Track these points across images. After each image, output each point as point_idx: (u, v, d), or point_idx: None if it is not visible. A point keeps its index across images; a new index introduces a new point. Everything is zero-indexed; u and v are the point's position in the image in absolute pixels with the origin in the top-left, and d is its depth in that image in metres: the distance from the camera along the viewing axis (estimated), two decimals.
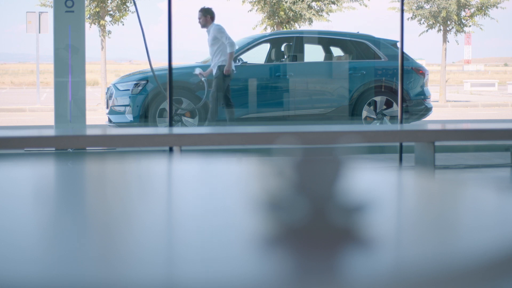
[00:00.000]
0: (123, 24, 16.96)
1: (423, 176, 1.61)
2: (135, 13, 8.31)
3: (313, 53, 10.69)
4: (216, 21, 9.12)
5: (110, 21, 17.01)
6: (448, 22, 19.65)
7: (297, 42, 10.32)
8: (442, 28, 19.77)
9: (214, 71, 9.06)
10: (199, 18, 9.08)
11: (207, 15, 9.07)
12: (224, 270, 0.83)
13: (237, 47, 9.33)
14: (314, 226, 1.02)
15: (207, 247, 0.95)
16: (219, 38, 8.97)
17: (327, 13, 15.25)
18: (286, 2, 15.01)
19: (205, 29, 9.09)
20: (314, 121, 9.71)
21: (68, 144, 4.16)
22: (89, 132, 4.40)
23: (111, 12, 16.91)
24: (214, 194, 1.46)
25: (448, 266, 0.87)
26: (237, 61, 9.68)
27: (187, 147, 5.63)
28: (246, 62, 9.77)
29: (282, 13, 15.04)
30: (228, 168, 1.79)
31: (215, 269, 0.83)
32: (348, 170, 1.06)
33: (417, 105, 10.26)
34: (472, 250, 0.94)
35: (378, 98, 9.95)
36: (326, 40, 10.69)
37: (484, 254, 0.92)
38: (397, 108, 9.45)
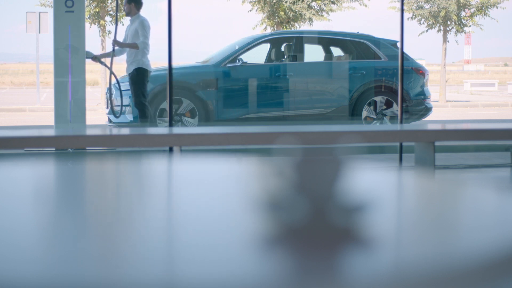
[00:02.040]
0: (122, 24, 16.94)
1: (423, 176, 1.61)
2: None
3: (313, 53, 10.69)
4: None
5: (110, 21, 17.01)
6: (448, 22, 19.66)
7: (297, 42, 10.32)
8: (442, 28, 19.78)
9: (129, 70, 8.32)
10: (124, 5, 8.27)
11: (131, 3, 8.18)
12: (224, 270, 0.83)
13: (148, 53, 8.29)
14: (314, 226, 1.02)
15: (207, 247, 0.95)
16: (139, 34, 8.16)
17: (327, 13, 15.26)
18: (286, 2, 15.01)
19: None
20: (314, 121, 9.71)
21: (68, 144, 4.16)
22: (89, 132, 4.40)
23: (111, 12, 16.90)
24: (214, 194, 1.46)
25: (448, 266, 0.87)
26: (237, 61, 9.68)
27: (187, 147, 5.63)
28: (246, 62, 9.77)
29: (282, 13, 15.04)
30: (228, 168, 1.79)
31: (215, 269, 0.83)
32: (348, 170, 1.06)
33: (417, 105, 10.27)
34: (472, 250, 0.94)
35: (378, 98, 9.95)
36: (326, 40, 10.69)
37: (484, 254, 0.92)
38: (397, 108, 9.45)
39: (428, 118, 10.52)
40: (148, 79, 8.39)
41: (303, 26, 15.17)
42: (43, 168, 1.81)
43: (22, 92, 29.23)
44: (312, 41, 10.76)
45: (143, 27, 8.16)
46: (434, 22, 19.68)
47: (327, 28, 15.20)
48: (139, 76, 8.25)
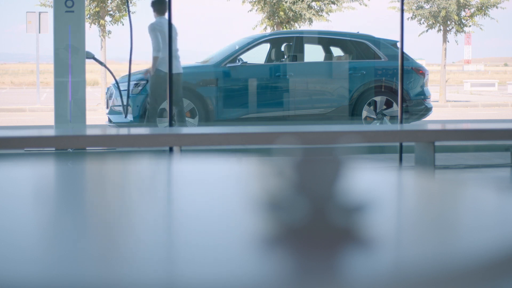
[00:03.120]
0: (123, 24, 16.96)
1: (423, 176, 1.61)
2: (135, 14, 8.31)
3: (313, 53, 10.69)
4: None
5: (110, 21, 17.01)
6: (448, 22, 19.66)
7: (297, 42, 10.32)
8: (442, 28, 19.78)
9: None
10: None
11: (152, 8, 8.34)
12: (224, 270, 0.83)
13: (162, 55, 8.32)
14: (314, 226, 1.02)
15: (207, 247, 0.95)
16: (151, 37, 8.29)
17: (327, 13, 15.26)
18: (286, 2, 15.01)
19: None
20: (314, 121, 9.71)
21: (68, 144, 4.16)
22: (89, 132, 4.40)
23: (111, 12, 16.91)
24: (214, 194, 1.46)
25: (448, 266, 0.87)
26: (237, 61, 9.68)
27: (187, 147, 5.63)
28: (246, 62, 9.77)
29: (282, 13, 15.04)
30: (228, 168, 1.79)
31: (215, 269, 0.83)
32: (348, 170, 1.06)
33: (417, 105, 10.27)
34: (472, 250, 0.94)
35: (378, 98, 9.95)
36: (326, 40, 10.69)
37: (484, 254, 0.92)
38: (397, 108, 9.45)
39: (428, 118, 10.52)
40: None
41: (303, 26, 15.17)
42: (43, 168, 1.81)
43: (22, 92, 29.23)
44: (312, 41, 10.76)
45: (149, 33, 8.24)
46: (434, 22, 19.68)
47: (327, 28, 15.20)
48: (152, 79, 8.42)
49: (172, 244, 1.01)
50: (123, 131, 5.30)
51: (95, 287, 0.77)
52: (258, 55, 10.22)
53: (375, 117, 9.91)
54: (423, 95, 10.32)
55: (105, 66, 9.13)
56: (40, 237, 1.06)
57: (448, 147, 7.37)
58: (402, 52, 7.07)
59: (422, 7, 19.94)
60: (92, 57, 8.11)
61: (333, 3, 15.18)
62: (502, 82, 35.01)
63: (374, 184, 1.54)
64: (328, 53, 10.62)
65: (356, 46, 10.22)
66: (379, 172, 1.67)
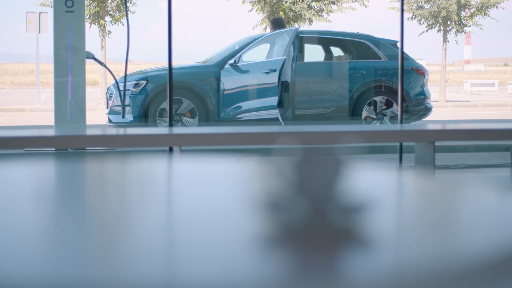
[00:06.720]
0: (123, 24, 16.98)
1: (423, 176, 1.61)
2: (135, 14, 8.29)
3: (313, 53, 10.68)
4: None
5: (110, 21, 17.01)
6: (448, 22, 19.65)
7: (297, 42, 10.31)
8: (442, 28, 19.77)
9: None
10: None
11: None
12: (224, 270, 0.83)
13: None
14: (314, 226, 1.02)
15: (207, 247, 0.95)
16: None
17: (327, 13, 15.26)
18: (286, 2, 15.01)
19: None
20: (314, 121, 9.71)
21: (68, 144, 4.16)
22: (89, 132, 4.40)
23: (111, 12, 16.90)
24: (214, 194, 1.46)
25: (448, 266, 0.87)
26: (237, 61, 9.68)
27: (187, 147, 5.63)
28: (243, 62, 9.77)
29: (282, 13, 15.03)
30: (228, 168, 1.79)
31: (215, 269, 0.83)
32: (348, 170, 1.06)
33: (417, 105, 10.26)
34: (472, 250, 0.94)
35: (378, 98, 9.94)
36: (326, 40, 10.69)
37: (484, 254, 0.92)
38: (397, 108, 9.45)
39: (428, 118, 10.51)
40: None
41: (303, 26, 15.16)
42: (43, 168, 1.81)
43: (22, 92, 29.23)
44: (312, 41, 10.76)
45: None
46: (434, 22, 19.68)
47: (327, 28, 15.20)
48: None
49: (172, 244, 1.01)
50: (123, 131, 5.30)
51: (95, 287, 0.77)
52: (258, 55, 10.22)
53: (375, 117, 9.90)
54: (423, 95, 10.32)
55: (105, 66, 9.13)
56: (40, 237, 1.06)
57: (448, 147, 7.37)
58: (402, 52, 7.07)
59: (422, 7, 19.94)
60: (92, 57, 8.10)
61: (333, 3, 15.18)
62: (502, 82, 35.03)
63: (374, 184, 1.54)
64: (328, 53, 10.61)
65: (356, 46, 10.22)
66: (379, 172, 1.67)
